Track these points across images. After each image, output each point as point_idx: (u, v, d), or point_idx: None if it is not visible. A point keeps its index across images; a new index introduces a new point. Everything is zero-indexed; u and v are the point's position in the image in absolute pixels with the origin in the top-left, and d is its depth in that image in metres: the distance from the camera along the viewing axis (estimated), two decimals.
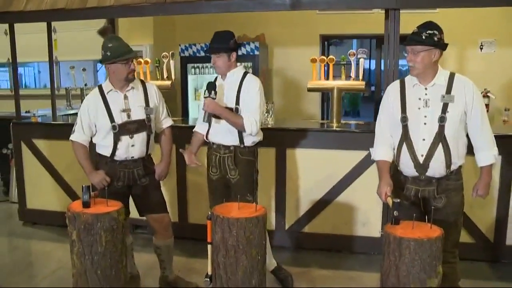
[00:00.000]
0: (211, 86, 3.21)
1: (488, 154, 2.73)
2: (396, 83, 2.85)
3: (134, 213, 3.43)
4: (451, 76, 2.68)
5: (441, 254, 2.33)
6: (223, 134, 3.27)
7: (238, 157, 3.28)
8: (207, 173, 3.42)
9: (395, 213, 2.42)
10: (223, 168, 3.31)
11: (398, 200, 2.48)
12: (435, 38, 2.59)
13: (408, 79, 2.77)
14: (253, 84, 3.27)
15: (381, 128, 2.89)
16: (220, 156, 3.30)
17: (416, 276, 2.29)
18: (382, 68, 6.94)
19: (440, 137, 2.63)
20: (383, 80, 4.76)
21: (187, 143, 4.31)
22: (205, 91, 3.20)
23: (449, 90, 2.64)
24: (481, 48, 6.54)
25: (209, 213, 2.58)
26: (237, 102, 3.24)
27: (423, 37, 2.58)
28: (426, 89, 2.69)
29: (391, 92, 2.83)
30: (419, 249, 2.26)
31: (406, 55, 2.69)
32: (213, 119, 3.27)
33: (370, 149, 2.96)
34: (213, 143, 3.34)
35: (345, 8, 4.12)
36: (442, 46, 2.63)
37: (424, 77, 2.68)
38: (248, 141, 3.28)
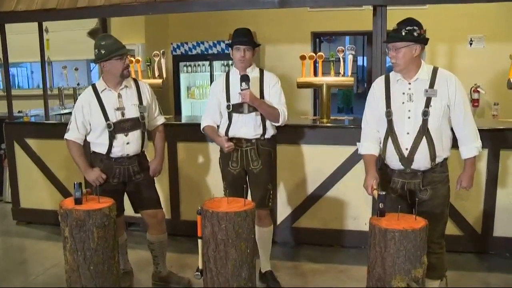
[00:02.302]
0: (247, 78, 3.24)
1: (471, 146, 2.78)
2: (381, 79, 2.90)
3: (128, 210, 3.47)
4: (434, 71, 2.73)
5: (425, 244, 2.38)
6: (248, 127, 3.36)
7: (260, 148, 3.41)
8: (224, 169, 3.49)
9: (380, 205, 2.47)
10: (245, 161, 3.40)
11: (383, 193, 2.53)
12: (415, 34, 2.64)
13: (393, 75, 2.82)
14: (275, 79, 3.46)
15: (367, 122, 2.94)
16: (243, 150, 3.39)
17: (401, 267, 2.34)
18: None
19: (423, 131, 2.69)
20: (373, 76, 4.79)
21: (180, 140, 4.39)
22: (241, 83, 3.22)
23: (432, 84, 2.69)
24: (470, 44, 6.62)
25: (199, 208, 2.62)
26: (261, 96, 3.37)
27: (403, 34, 2.64)
28: (409, 84, 2.73)
29: (376, 87, 2.89)
30: (403, 240, 2.32)
31: (387, 51, 2.75)
32: (234, 114, 3.35)
33: (357, 143, 3.01)
34: (231, 138, 3.38)
35: (333, 5, 4.17)
36: (422, 41, 2.68)
37: (407, 73, 2.73)
38: (269, 134, 3.43)
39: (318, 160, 4.11)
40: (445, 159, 2.80)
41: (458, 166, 2.95)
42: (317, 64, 4.50)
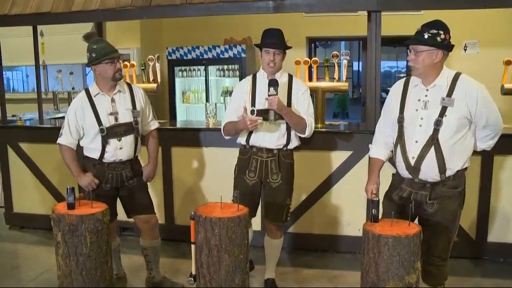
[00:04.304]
0: (276, 83, 3.00)
1: (480, 144, 2.69)
2: (401, 82, 2.77)
3: (121, 215, 3.45)
4: (455, 78, 2.55)
5: (419, 250, 2.37)
6: (271, 135, 3.18)
7: (282, 161, 3.23)
8: (239, 178, 3.33)
9: (373, 211, 2.46)
10: (264, 173, 3.24)
11: (377, 198, 2.52)
12: (438, 39, 2.48)
13: (413, 79, 2.67)
14: (304, 86, 3.28)
15: (381, 126, 2.86)
16: (263, 160, 3.23)
17: (395, 273, 2.33)
18: None
19: (432, 141, 2.55)
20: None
21: (174, 145, 4.37)
22: (269, 88, 2.99)
23: (450, 92, 2.53)
24: (465, 49, 6.64)
25: (192, 213, 2.60)
26: (288, 104, 3.18)
27: (425, 37, 2.49)
28: (427, 90, 2.59)
29: (394, 91, 2.78)
30: (397, 245, 2.30)
31: (409, 53, 2.60)
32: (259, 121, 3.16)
33: (369, 145, 2.94)
34: (252, 147, 3.24)
35: (327, 10, 4.16)
36: (445, 47, 2.52)
37: (426, 78, 2.59)
38: (292, 144, 3.26)
39: (312, 165, 4.09)
40: (459, 172, 2.61)
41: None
42: (312, 69, 4.50)
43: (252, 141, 3.23)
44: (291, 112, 3.12)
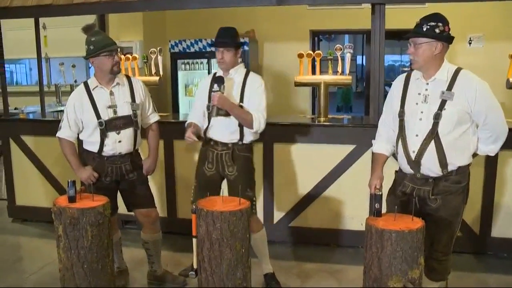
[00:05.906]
0: (220, 80, 3.17)
1: (482, 147, 2.64)
2: (402, 76, 2.76)
3: (123, 208, 3.43)
4: (456, 72, 2.55)
5: (422, 245, 2.35)
6: (223, 131, 3.27)
7: (236, 154, 3.29)
8: (199, 168, 3.42)
9: (376, 205, 2.44)
10: (220, 165, 3.32)
11: (380, 193, 2.50)
12: (437, 30, 2.48)
13: (414, 73, 2.67)
14: (258, 82, 3.31)
15: (383, 121, 2.85)
16: (218, 153, 3.31)
17: (398, 268, 2.31)
18: None
19: (432, 135, 2.53)
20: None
21: (176, 138, 4.35)
22: (213, 85, 3.16)
23: (450, 86, 2.52)
24: (469, 43, 6.59)
25: (194, 207, 2.59)
26: (241, 100, 3.25)
27: (424, 29, 2.49)
28: (427, 84, 2.59)
29: (396, 85, 2.76)
30: (400, 240, 2.28)
31: (409, 46, 2.59)
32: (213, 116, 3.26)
33: (372, 140, 2.93)
34: (210, 139, 3.33)
35: (331, 3, 4.15)
36: (445, 38, 2.52)
37: (426, 71, 2.58)
38: (248, 138, 3.30)
39: (315, 159, 4.08)
40: (462, 167, 2.60)
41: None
42: (315, 63, 4.47)
43: (209, 134, 3.33)
44: (235, 107, 3.19)
